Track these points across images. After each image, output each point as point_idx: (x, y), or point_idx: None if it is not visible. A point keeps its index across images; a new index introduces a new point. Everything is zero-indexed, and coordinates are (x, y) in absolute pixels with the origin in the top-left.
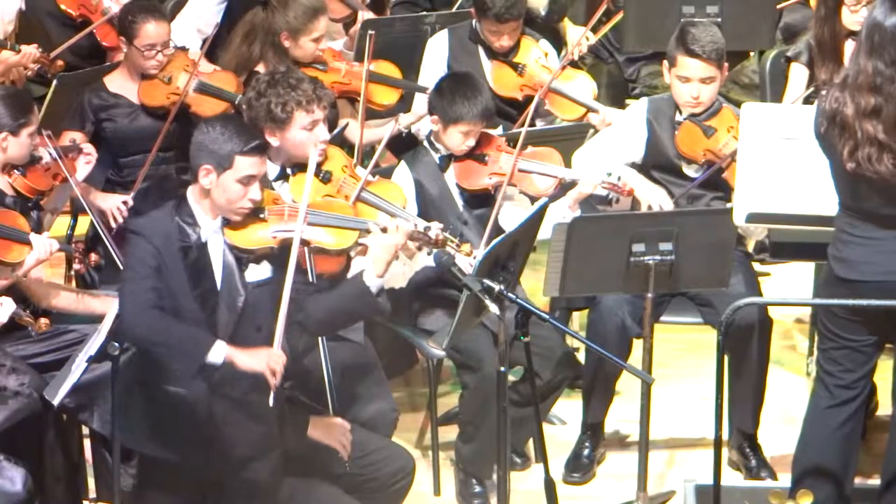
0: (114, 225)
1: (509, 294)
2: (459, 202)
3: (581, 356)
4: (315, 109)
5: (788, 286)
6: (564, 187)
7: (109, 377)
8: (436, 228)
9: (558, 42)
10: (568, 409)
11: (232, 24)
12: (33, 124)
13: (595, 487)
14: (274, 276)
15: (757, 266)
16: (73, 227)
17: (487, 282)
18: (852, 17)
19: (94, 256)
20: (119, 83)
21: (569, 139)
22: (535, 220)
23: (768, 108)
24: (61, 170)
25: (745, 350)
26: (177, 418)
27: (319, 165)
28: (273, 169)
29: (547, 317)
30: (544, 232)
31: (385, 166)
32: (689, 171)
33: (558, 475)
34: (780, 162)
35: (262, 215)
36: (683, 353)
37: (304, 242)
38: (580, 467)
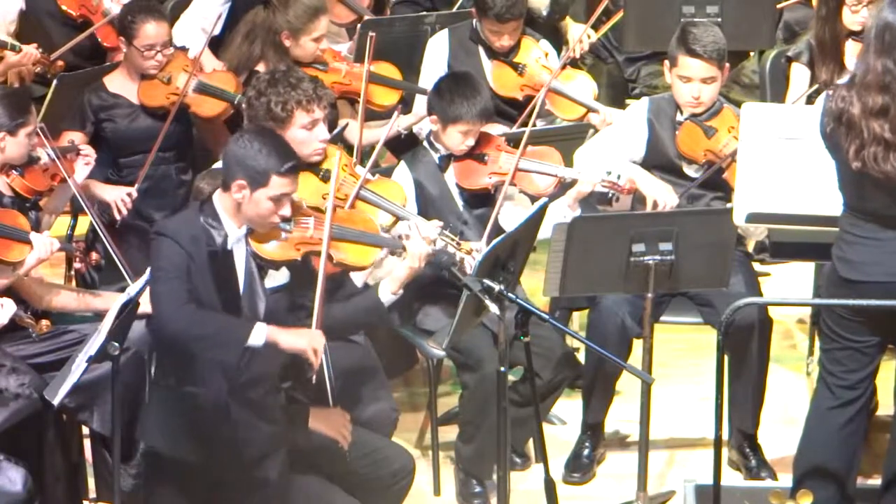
0: (118, 217)
1: (509, 294)
2: (459, 202)
3: (581, 356)
4: (315, 109)
5: (788, 286)
6: (564, 186)
7: (109, 377)
8: (436, 231)
9: (559, 41)
10: (568, 409)
11: (234, 24)
12: (31, 124)
13: (595, 487)
14: (290, 281)
15: (757, 266)
16: (73, 227)
17: (487, 282)
18: (853, 18)
19: (94, 256)
20: (119, 83)
21: (569, 139)
22: (536, 219)
23: (768, 108)
24: (60, 170)
25: (745, 350)
26: (197, 419)
27: (318, 164)
28: None
29: (547, 317)
30: (544, 232)
31: (385, 166)
32: (690, 171)
33: (558, 475)
34: (780, 162)
35: (287, 227)
36: (683, 353)
37: (328, 257)
38: (580, 467)
